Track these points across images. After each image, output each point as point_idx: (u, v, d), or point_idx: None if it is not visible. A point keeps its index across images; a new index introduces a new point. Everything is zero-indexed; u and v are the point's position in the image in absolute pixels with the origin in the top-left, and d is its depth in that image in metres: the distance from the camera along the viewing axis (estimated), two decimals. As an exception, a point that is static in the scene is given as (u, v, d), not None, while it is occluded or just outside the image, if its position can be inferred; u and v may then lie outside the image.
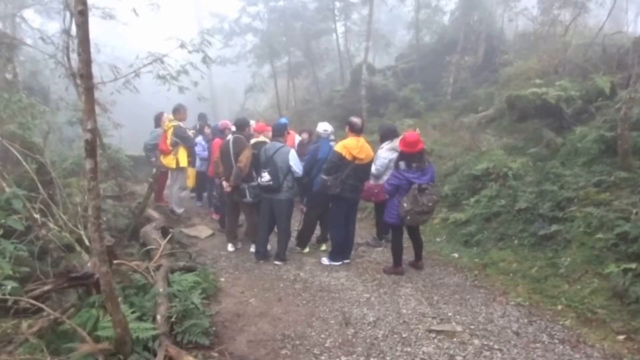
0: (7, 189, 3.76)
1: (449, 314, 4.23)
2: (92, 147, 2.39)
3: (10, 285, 3.10)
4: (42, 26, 10.10)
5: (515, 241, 5.49)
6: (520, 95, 7.58)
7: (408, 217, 4.92)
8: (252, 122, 6.96)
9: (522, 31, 12.69)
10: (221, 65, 16.96)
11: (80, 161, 5.54)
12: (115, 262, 3.58)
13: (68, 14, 5.08)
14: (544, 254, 5.02)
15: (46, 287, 3.22)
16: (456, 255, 5.85)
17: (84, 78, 2.30)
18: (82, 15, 2.19)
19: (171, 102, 7.63)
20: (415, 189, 4.83)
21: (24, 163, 4.47)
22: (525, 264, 5.04)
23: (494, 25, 13.05)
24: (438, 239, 6.58)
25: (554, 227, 5.14)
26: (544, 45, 10.25)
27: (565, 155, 6.41)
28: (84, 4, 2.19)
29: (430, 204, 4.90)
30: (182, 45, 5.74)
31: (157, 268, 4.18)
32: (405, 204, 4.87)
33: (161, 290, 3.63)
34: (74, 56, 5.02)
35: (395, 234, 5.30)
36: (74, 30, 5.12)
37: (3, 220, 3.15)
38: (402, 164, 5.02)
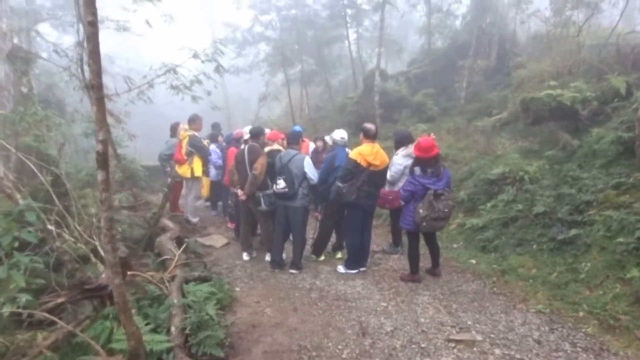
0: (22, 201, 3.81)
1: (468, 323, 4.13)
2: (103, 159, 2.41)
3: (24, 298, 3.14)
4: (57, 39, 10.33)
5: (534, 246, 5.36)
6: (534, 97, 7.45)
7: (424, 224, 4.84)
8: (267, 131, 6.97)
9: (535, 33, 12.52)
10: (235, 74, 17.22)
11: (95, 172, 5.59)
12: (129, 273, 3.59)
13: (81, 27, 5.18)
14: (564, 259, 4.88)
15: (60, 300, 3.24)
16: (474, 261, 5.73)
17: (95, 89, 2.32)
18: (92, 27, 2.20)
19: (186, 112, 7.70)
20: (430, 195, 4.77)
21: (39, 175, 4.53)
22: (545, 270, 4.90)
23: (506, 28, 12.91)
24: (455, 245, 6.47)
25: (573, 232, 5.00)
26: (557, 47, 10.08)
27: (582, 158, 6.26)
28: (94, 15, 2.20)
29: (446, 210, 4.82)
30: (195, 55, 5.80)
31: (172, 278, 4.18)
32: (420, 210, 4.80)
33: (175, 301, 3.62)
34: (87, 68, 5.10)
35: (411, 240, 5.22)
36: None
37: (17, 233, 3.17)
38: (417, 170, 4.96)
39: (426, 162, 4.89)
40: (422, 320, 4.20)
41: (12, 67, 6.37)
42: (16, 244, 3.26)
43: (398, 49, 16.43)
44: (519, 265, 5.15)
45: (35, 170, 4.93)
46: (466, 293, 4.84)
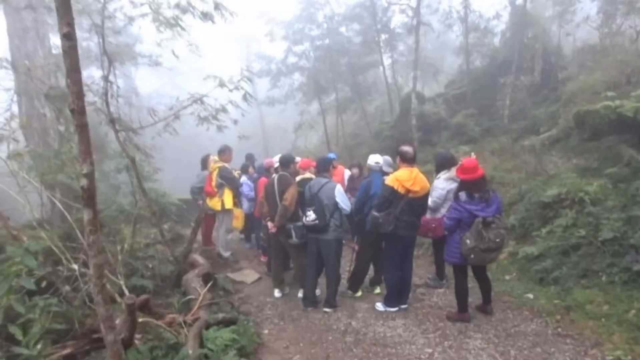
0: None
1: (531, 373, 3.52)
2: (89, 195, 2.15)
3: (38, 345, 2.94)
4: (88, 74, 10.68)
5: (603, 278, 4.65)
6: (590, 110, 6.80)
7: (472, 256, 4.29)
8: (298, 159, 6.73)
9: (583, 44, 11.79)
10: (270, 105, 17.39)
11: (124, 208, 5.53)
12: (140, 320, 3.30)
13: (106, 60, 5.20)
14: (643, 294, 4.17)
15: (65, 351, 2.99)
16: (531, 296, 5.05)
17: (76, 113, 2.07)
18: (68, 40, 1.96)
19: (218, 143, 7.62)
20: (479, 223, 4.23)
21: (65, 213, 4.44)
22: (620, 307, 4.19)
23: (550, 42, 12.28)
24: (507, 277, 5.80)
25: (652, 261, 4.29)
26: (610, 57, 9.34)
27: (652, 174, 5.52)
28: (70, 25, 1.96)
29: (497, 240, 4.24)
30: (221, 84, 5.69)
31: (194, 321, 3.87)
32: (468, 241, 4.26)
33: (191, 351, 3.28)
34: (113, 102, 5.11)
35: (458, 275, 4.66)
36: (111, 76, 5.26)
37: (15, 281, 2.98)
38: (462, 195, 4.41)
39: (472, 185, 4.37)
40: (475, 368, 3.64)
41: (51, 107, 6.54)
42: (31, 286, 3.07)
43: (434, 72, 16.04)
44: (587, 301, 4.43)
45: (62, 208, 4.89)
46: (525, 335, 4.19)
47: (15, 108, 7.44)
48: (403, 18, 14.35)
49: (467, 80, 13.46)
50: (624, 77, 7.97)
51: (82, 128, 2.12)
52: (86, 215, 2.18)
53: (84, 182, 2.14)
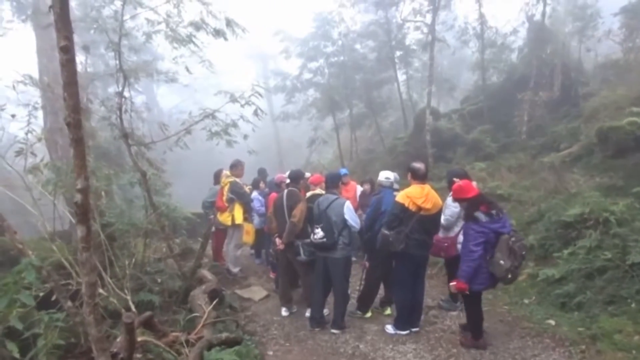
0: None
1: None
2: (83, 211, 2.04)
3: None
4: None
5: (633, 305, 4.34)
6: (614, 126, 6.55)
7: (509, 276, 4.01)
8: (307, 175, 6.60)
9: (605, 59, 11.50)
10: (285, 121, 17.44)
11: (135, 221, 5.47)
12: (139, 339, 3.16)
13: (121, 75, 5.20)
14: (677, 323, 3.85)
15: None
16: (552, 322, 4.74)
17: (72, 127, 1.99)
18: (65, 53, 1.90)
19: (231, 158, 7.56)
20: (508, 241, 3.97)
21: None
22: (652, 337, 3.88)
23: (570, 57, 12.02)
24: (526, 301, 5.49)
25: (686, 287, 3.98)
26: (634, 71, 9.05)
27: (682, 194, 5.20)
28: (69, 39, 1.90)
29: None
30: (233, 99, 5.65)
31: (198, 340, 3.71)
32: (502, 262, 3.95)
33: (188, 374, 3.12)
34: (127, 117, 5.11)
35: (474, 300, 4.36)
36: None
37: (16, 297, 2.90)
38: (481, 215, 4.07)
39: (483, 200, 4.14)
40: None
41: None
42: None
43: (450, 87, 15.91)
44: (615, 330, 4.11)
45: (73, 221, 4.83)
46: (547, 365, 3.91)
47: (35, 123, 7.65)
48: (418, 35, 14.34)
49: (483, 96, 13.25)
50: (650, 92, 7.68)
51: (78, 142, 2.04)
52: (79, 232, 2.08)
53: (78, 197, 2.05)
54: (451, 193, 4.44)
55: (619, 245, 4.96)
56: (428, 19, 12.53)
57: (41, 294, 3.97)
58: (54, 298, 4.16)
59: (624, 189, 6.44)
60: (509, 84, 12.79)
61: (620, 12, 9.90)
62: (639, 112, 6.67)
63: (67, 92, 1.93)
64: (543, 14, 11.34)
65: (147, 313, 3.82)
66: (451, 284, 4.36)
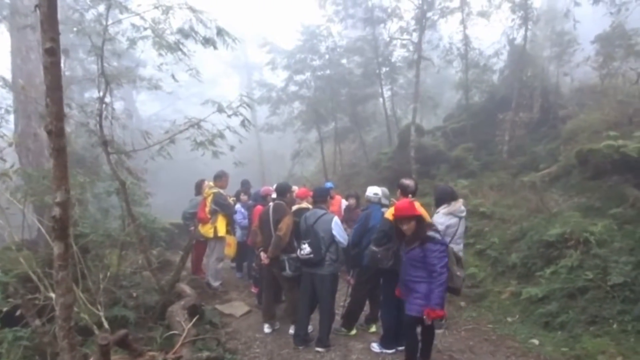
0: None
1: None
2: (61, 226, 1.91)
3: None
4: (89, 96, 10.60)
5: (614, 325, 4.42)
6: (593, 149, 6.72)
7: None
8: (295, 188, 6.53)
9: (581, 84, 11.92)
10: (269, 132, 17.37)
11: (112, 232, 5.27)
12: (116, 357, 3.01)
13: (103, 82, 5.08)
14: (658, 345, 3.92)
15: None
16: (536, 341, 4.78)
17: (54, 136, 1.88)
18: (50, 55, 1.81)
19: (213, 168, 7.43)
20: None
21: (48, 238, 4.20)
22: (635, 358, 3.93)
23: (548, 81, 12.41)
24: (509, 319, 5.53)
25: (667, 309, 4.07)
26: (608, 97, 9.39)
27: (659, 217, 5.36)
28: (54, 40, 1.81)
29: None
30: (220, 109, 5.56)
31: (177, 359, 3.57)
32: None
33: (169, 396, 2.99)
34: (107, 123, 4.96)
35: (414, 326, 4.11)
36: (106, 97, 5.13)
37: None
38: (435, 234, 4.00)
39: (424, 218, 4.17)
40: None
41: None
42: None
43: (434, 105, 16.12)
44: (598, 351, 4.17)
45: (45, 232, 4.64)
46: (532, 386, 3.92)
47: (5, 127, 7.35)
48: (404, 52, 14.56)
49: (465, 114, 13.50)
50: (626, 117, 7.94)
51: (60, 152, 1.92)
52: (57, 248, 1.93)
53: (56, 211, 1.90)
54: (394, 212, 4.13)
55: (600, 266, 5.06)
56: (415, 37, 12.76)
57: (4, 309, 3.76)
58: (18, 313, 3.94)
59: (601, 210, 6.59)
60: (491, 104, 13.08)
61: (595, 40, 10.28)
62: (615, 136, 6.87)
63: (50, 97, 1.83)
64: (525, 38, 11.67)
65: (122, 331, 3.61)
66: (426, 314, 3.76)
